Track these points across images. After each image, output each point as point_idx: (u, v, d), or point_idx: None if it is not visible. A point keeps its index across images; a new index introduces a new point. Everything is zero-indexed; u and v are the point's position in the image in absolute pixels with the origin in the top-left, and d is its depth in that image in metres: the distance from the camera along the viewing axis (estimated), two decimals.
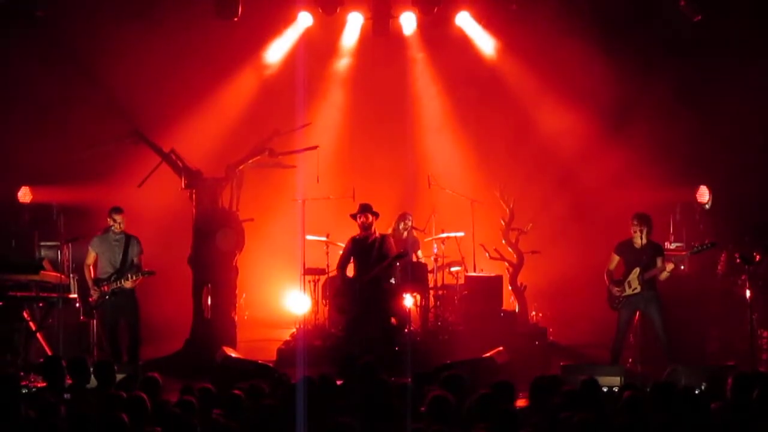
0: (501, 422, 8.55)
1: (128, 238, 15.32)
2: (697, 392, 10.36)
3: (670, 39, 18.97)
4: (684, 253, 15.60)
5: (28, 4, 18.25)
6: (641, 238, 14.76)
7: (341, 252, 16.88)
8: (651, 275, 14.68)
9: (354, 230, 16.11)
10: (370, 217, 15.77)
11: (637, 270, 14.73)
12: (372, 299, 15.46)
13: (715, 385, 10.47)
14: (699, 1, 18.13)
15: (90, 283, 15.21)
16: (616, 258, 15.06)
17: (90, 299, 15.24)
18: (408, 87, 20.93)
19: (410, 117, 20.99)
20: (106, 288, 15.05)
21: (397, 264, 16.45)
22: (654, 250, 14.85)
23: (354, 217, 15.85)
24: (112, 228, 15.23)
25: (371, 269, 15.59)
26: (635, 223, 14.79)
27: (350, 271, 16.76)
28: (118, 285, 15.04)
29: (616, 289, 14.91)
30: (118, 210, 15.29)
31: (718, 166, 18.38)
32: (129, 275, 15.06)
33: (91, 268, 15.27)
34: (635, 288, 14.75)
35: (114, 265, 15.19)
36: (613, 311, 15.13)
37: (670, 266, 14.62)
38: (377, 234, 15.77)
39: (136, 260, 15.28)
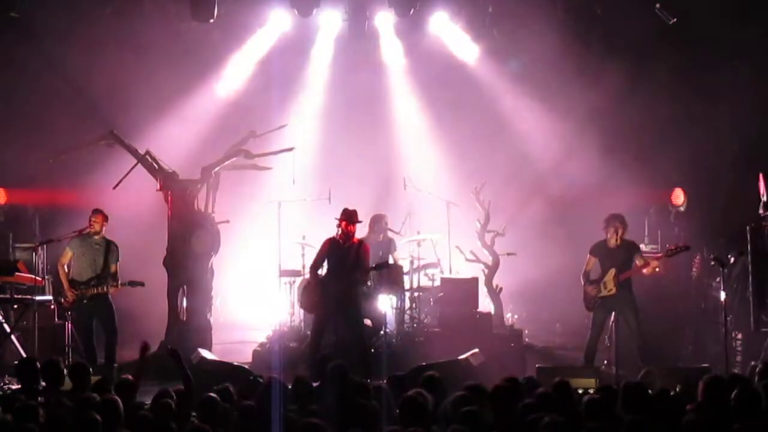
0: (474, 424, 8.57)
1: (108, 244, 15.34)
2: (672, 394, 10.38)
3: (645, 41, 19.00)
4: (659, 256, 15.63)
5: (2, 4, 18.14)
6: (615, 240, 14.85)
7: (317, 251, 16.62)
8: (626, 276, 14.75)
9: (330, 231, 16.00)
10: (355, 228, 15.58)
11: (612, 271, 14.80)
12: (343, 302, 15.35)
13: (689, 388, 10.50)
14: (674, 4, 18.19)
15: (66, 284, 15.17)
16: (592, 259, 15.14)
17: (64, 301, 15.18)
18: (384, 88, 21.00)
19: (386, 119, 21.07)
20: (85, 292, 15.02)
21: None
22: (629, 249, 14.92)
23: (340, 222, 15.59)
24: (89, 228, 15.20)
25: (346, 274, 15.42)
26: (608, 225, 14.87)
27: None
28: (98, 291, 15.02)
29: (591, 288, 14.98)
30: (96, 211, 15.30)
31: (693, 169, 18.43)
32: (111, 282, 15.04)
33: (66, 267, 15.24)
34: (610, 289, 14.82)
35: (95, 270, 15.21)
36: (588, 313, 15.22)
37: (654, 264, 14.74)
38: (355, 240, 15.62)
39: (112, 267, 15.26)
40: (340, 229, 15.50)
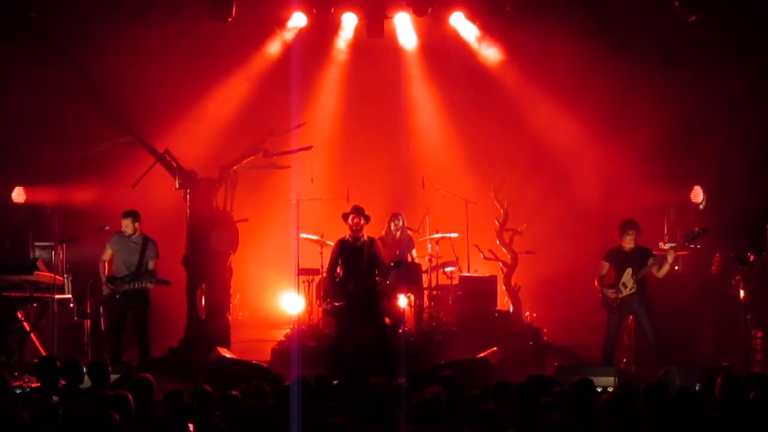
0: (492, 423, 8.55)
1: (146, 241, 15.50)
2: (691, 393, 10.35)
3: (663, 40, 18.94)
4: (678, 241, 15.55)
5: (22, 4, 18.19)
6: (630, 243, 14.76)
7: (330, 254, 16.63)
8: (644, 274, 14.67)
9: (346, 231, 15.96)
10: (362, 220, 15.54)
11: (629, 270, 14.69)
12: (364, 302, 15.37)
13: (709, 386, 10.46)
14: (693, 2, 18.11)
15: (103, 279, 15.35)
16: (606, 265, 15.03)
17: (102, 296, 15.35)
18: (402, 87, 20.91)
19: (404, 117, 21.00)
20: (119, 288, 15.14)
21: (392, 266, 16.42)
22: (643, 253, 14.84)
23: (345, 217, 15.64)
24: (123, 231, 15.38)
25: (363, 273, 15.43)
26: (623, 230, 14.79)
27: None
28: (131, 287, 15.14)
29: (611, 291, 14.86)
30: (125, 214, 15.53)
31: (713, 167, 18.36)
32: (145, 280, 15.19)
33: (106, 264, 15.44)
34: (631, 288, 14.71)
35: (129, 268, 15.35)
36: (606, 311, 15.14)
37: (671, 255, 14.59)
38: (365, 237, 15.59)
39: (150, 265, 15.38)
40: (348, 224, 15.49)
